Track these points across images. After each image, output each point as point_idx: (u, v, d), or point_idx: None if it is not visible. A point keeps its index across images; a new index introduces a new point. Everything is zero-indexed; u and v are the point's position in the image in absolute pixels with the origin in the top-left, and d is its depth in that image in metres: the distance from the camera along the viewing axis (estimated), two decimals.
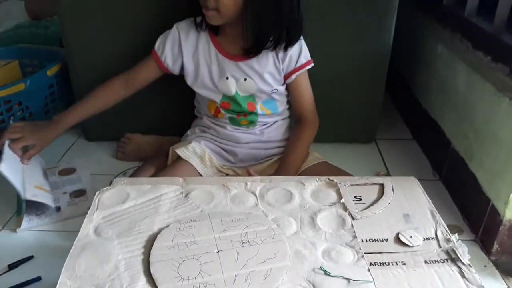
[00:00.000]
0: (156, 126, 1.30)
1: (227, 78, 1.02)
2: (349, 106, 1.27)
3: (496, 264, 0.89)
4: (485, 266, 0.89)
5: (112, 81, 1.07)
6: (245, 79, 1.01)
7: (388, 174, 1.20)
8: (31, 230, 0.98)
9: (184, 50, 1.03)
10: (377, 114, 1.30)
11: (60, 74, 1.33)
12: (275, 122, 1.10)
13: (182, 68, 1.05)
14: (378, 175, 1.19)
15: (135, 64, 1.08)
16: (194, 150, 1.04)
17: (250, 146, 1.08)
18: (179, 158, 1.03)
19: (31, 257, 0.90)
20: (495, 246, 0.90)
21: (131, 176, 1.10)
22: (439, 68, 1.25)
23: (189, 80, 1.06)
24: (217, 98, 1.05)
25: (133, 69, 1.07)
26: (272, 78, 1.02)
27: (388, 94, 1.33)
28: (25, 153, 0.99)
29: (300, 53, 1.02)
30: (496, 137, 0.93)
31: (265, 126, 1.09)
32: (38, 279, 0.85)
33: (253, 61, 1.00)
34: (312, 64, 1.05)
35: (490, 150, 0.95)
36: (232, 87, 1.02)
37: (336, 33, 1.16)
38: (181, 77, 1.07)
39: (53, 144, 1.24)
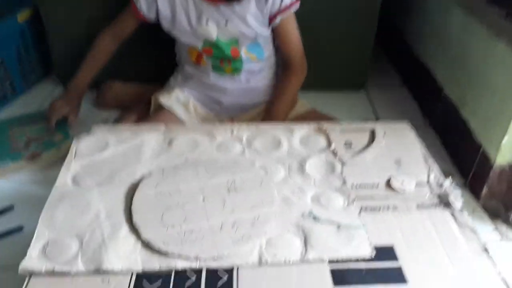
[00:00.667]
0: (138, 74, 1.24)
1: (206, 22, 0.95)
2: (338, 51, 1.23)
3: (485, 208, 0.90)
4: (473, 210, 0.89)
5: (102, 39, 1.06)
6: (226, 23, 0.95)
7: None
8: (8, 179, 0.95)
9: None
10: (367, 59, 1.26)
11: (32, 20, 1.25)
12: (261, 69, 1.05)
13: (157, 13, 0.99)
14: None
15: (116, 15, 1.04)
16: (178, 98, 0.99)
17: (235, 94, 1.04)
18: (161, 107, 0.99)
19: (11, 207, 0.88)
20: (485, 191, 0.90)
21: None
22: (432, 12, 1.20)
23: (165, 26, 0.99)
24: (198, 44, 0.98)
25: (116, 21, 1.04)
26: (255, 20, 0.96)
27: (378, 41, 1.29)
28: None
29: None
30: (490, 83, 0.91)
31: (251, 74, 1.04)
32: (20, 228, 0.83)
33: (234, 3, 0.94)
34: (298, 5, 0.98)
35: (484, 96, 0.93)
36: (212, 32, 0.96)
37: None
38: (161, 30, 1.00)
39: (30, 93, 1.24)
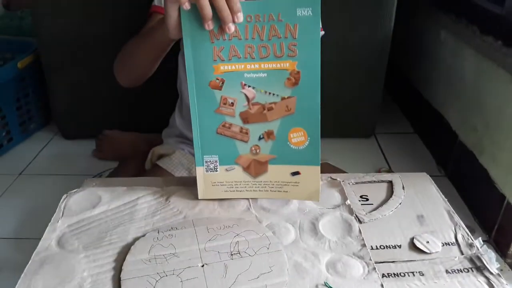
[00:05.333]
0: (137, 122, 1.19)
1: None
2: (347, 98, 1.19)
3: None
4: (501, 270, 0.81)
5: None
6: None
7: (390, 170, 1.11)
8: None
9: None
10: (377, 106, 1.21)
11: (33, 67, 1.23)
12: None
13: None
14: (379, 171, 1.10)
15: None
16: (180, 162, 0.90)
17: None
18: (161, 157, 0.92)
19: None
20: None
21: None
22: (442, 56, 1.17)
23: None
24: None
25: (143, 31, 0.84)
26: None
27: (386, 87, 1.25)
28: None
29: None
30: (511, 127, 0.85)
31: None
32: None
33: None
34: (323, 33, 0.89)
35: (504, 142, 0.87)
36: None
37: (333, 19, 1.07)
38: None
39: (27, 143, 1.23)
